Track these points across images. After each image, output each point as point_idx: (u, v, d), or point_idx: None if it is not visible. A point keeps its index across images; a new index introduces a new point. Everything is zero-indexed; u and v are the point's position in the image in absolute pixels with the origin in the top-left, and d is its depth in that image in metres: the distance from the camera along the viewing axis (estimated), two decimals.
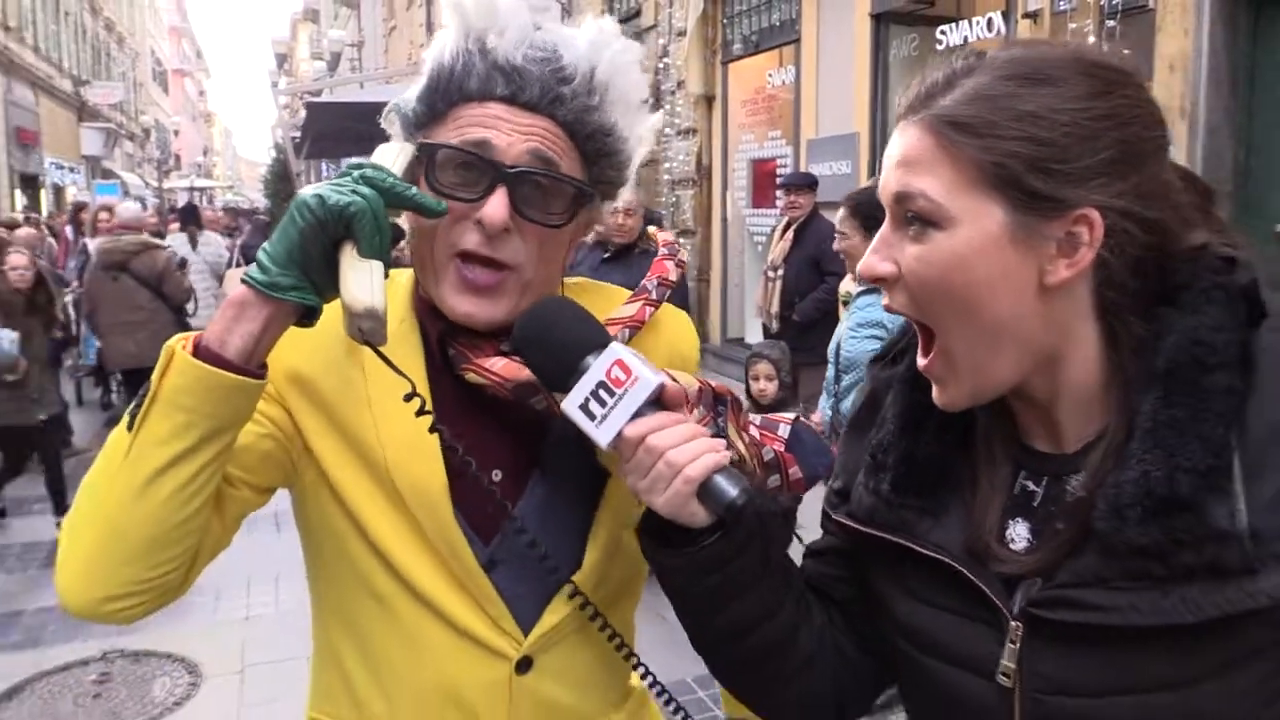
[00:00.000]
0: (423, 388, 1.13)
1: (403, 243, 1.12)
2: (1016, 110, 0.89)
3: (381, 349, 1.08)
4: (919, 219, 0.92)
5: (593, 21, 1.17)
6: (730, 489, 1.00)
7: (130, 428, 1.01)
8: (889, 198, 0.96)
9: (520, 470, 1.20)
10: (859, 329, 3.89)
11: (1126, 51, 0.95)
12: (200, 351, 0.99)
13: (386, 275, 1.02)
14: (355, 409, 1.16)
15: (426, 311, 1.21)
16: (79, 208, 14.74)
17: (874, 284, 0.99)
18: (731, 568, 1.04)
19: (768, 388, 4.54)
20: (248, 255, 12.54)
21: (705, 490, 1.00)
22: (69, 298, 9.44)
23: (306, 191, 0.99)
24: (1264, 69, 5.59)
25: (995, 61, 0.93)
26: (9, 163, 25.41)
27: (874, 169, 8.18)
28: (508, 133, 1.11)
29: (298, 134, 15.55)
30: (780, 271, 6.45)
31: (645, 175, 13.30)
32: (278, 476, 1.18)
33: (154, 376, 1.00)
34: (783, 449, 1.29)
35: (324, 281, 1.01)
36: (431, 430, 1.11)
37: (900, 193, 0.94)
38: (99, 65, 38.83)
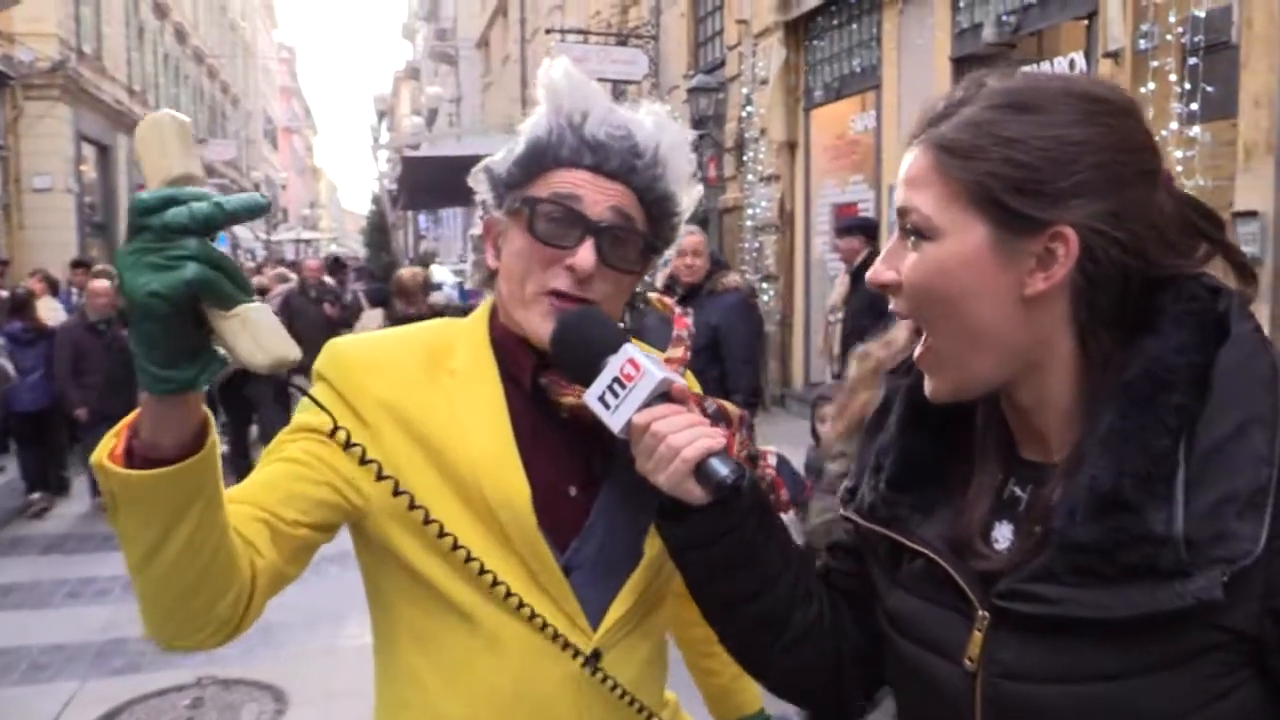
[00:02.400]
0: (502, 414, 1.33)
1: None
2: (999, 135, 0.98)
3: (464, 380, 1.32)
4: (915, 231, 1.02)
5: (649, 106, 1.39)
6: (722, 468, 1.11)
7: None
8: (895, 212, 1.06)
9: (590, 485, 1.37)
10: None
11: (1124, 86, 1.02)
12: (136, 459, 0.99)
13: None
14: (442, 429, 1.30)
15: (508, 346, 1.38)
16: None
17: (882, 290, 1.08)
18: (727, 540, 1.15)
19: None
20: (372, 299, 13.21)
21: (700, 471, 1.12)
22: None
23: (140, 290, 0.88)
24: None
25: (988, 91, 1.02)
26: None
27: None
28: (594, 195, 1.32)
29: (394, 187, 16.09)
30: (840, 315, 6.50)
31: (729, 222, 13.43)
32: (336, 517, 1.28)
33: (99, 482, 1.02)
34: (775, 474, 1.47)
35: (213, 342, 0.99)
36: (363, 462, 1.22)
37: (901, 207, 1.04)
38: (215, 124, 40.72)
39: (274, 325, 0.95)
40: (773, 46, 11.55)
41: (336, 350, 1.36)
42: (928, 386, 1.09)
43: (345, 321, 10.33)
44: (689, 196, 1.42)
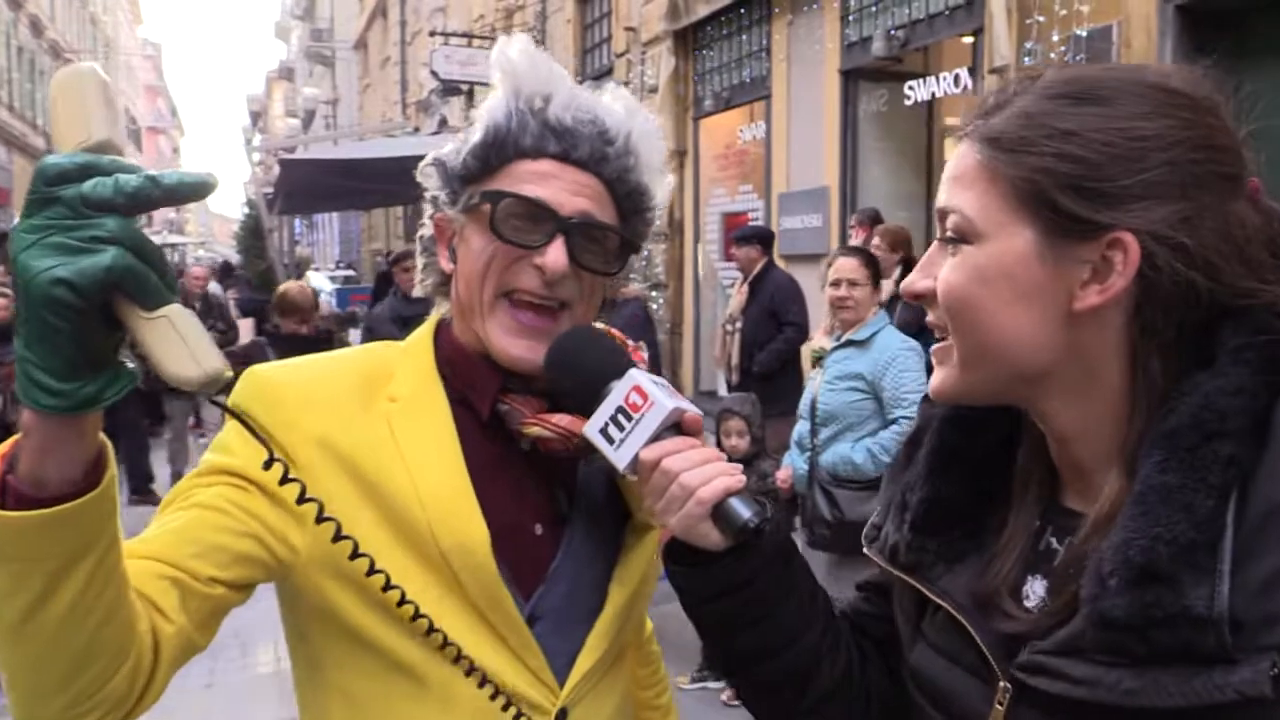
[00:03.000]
0: (453, 445, 1.17)
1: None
2: (1053, 128, 0.87)
3: (407, 408, 1.16)
4: (954, 234, 0.92)
5: (614, 90, 1.26)
6: (744, 511, 1.00)
7: None
8: (936, 214, 0.96)
9: (555, 522, 1.23)
10: (837, 381, 3.89)
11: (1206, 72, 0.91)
12: (12, 497, 0.81)
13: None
14: (385, 466, 1.14)
15: (463, 367, 1.22)
16: None
17: (916, 301, 0.97)
18: (747, 591, 1.03)
19: (739, 444, 4.57)
20: (244, 309, 12.54)
21: (719, 513, 1.01)
22: None
23: (42, 276, 0.72)
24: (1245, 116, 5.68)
25: (1046, 80, 0.91)
26: None
27: (844, 222, 8.24)
28: (560, 190, 1.18)
29: (270, 190, 15.55)
30: (739, 324, 6.46)
31: None
32: (258, 574, 1.11)
33: None
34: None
35: (122, 354, 0.83)
36: (301, 500, 1.02)
37: (941, 208, 0.94)
38: None
39: (203, 332, 0.79)
40: (661, 55, 11.52)
41: (260, 380, 1.18)
42: (933, 382, 0.98)
43: (229, 342, 9.42)
44: (662, 190, 1.29)
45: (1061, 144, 0.86)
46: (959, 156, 0.93)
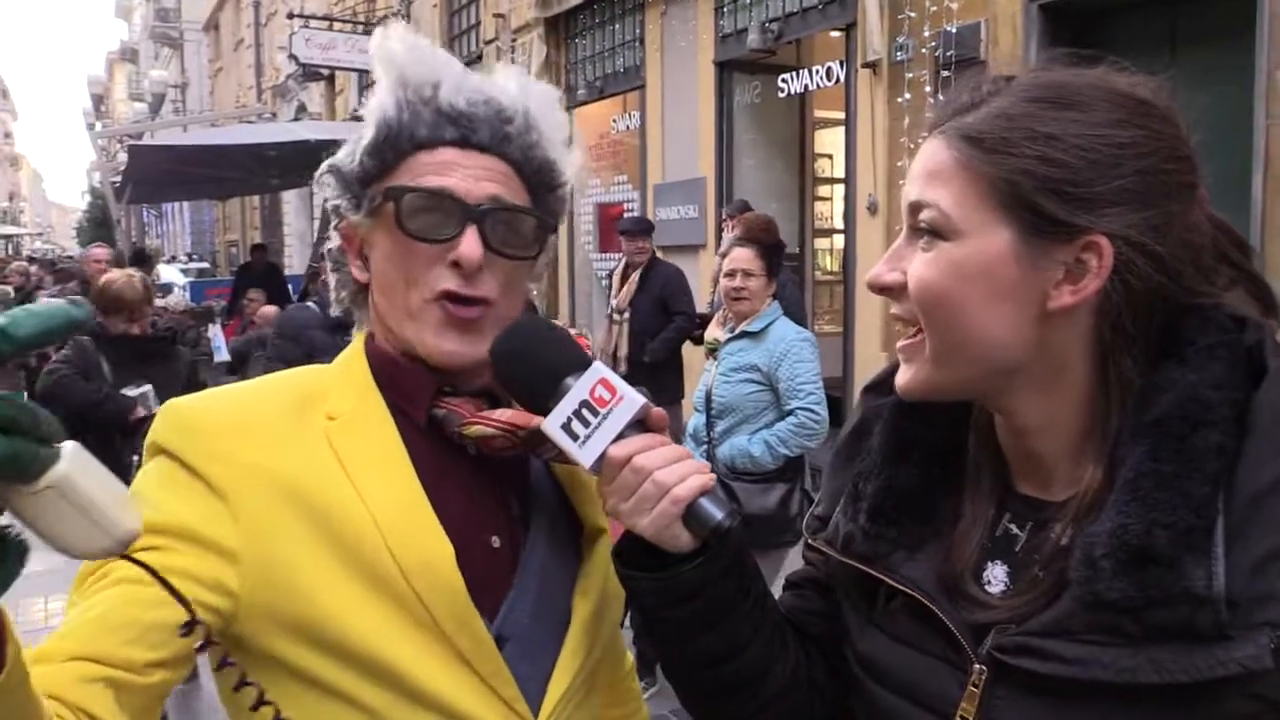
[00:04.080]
0: (401, 458, 1.09)
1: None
2: (1034, 130, 0.89)
3: (348, 424, 1.08)
4: (930, 229, 0.92)
5: (504, 69, 1.20)
6: (716, 512, 0.97)
7: None
8: (906, 207, 0.96)
9: (510, 532, 1.15)
10: (732, 374, 3.86)
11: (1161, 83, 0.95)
12: None
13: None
14: (328, 488, 1.04)
15: (395, 374, 1.15)
16: None
17: (881, 294, 0.98)
18: (709, 594, 1.01)
19: None
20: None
21: (691, 513, 0.97)
22: None
23: None
24: None
25: (1022, 84, 0.93)
26: None
27: (720, 213, 8.28)
28: (465, 178, 1.11)
29: (118, 178, 14.72)
30: (626, 315, 6.42)
31: None
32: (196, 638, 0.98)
33: None
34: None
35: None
36: (124, 558, 0.85)
37: (916, 202, 0.94)
38: None
39: (109, 484, 0.66)
40: (533, 42, 11.38)
41: (181, 414, 1.05)
42: (901, 377, 0.99)
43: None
44: (570, 164, 1.23)
45: (1044, 147, 0.88)
46: (933, 152, 0.94)
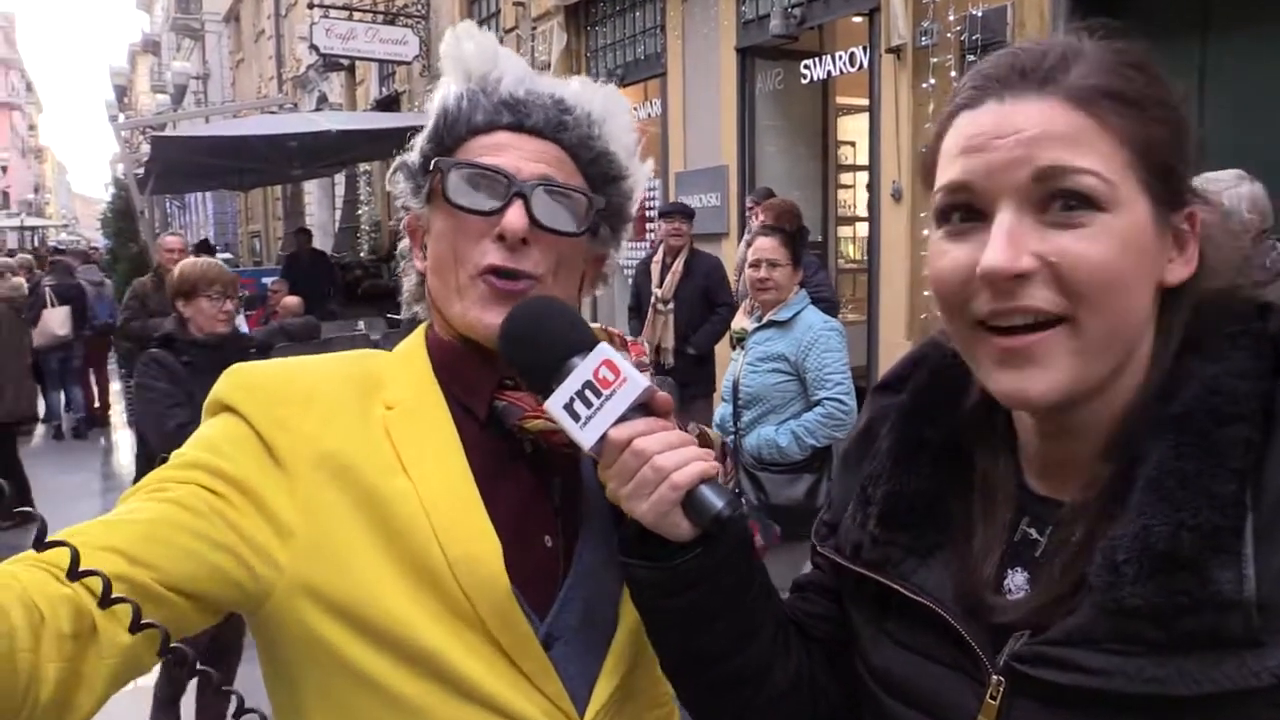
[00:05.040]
0: (456, 451, 1.09)
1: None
2: (1148, 94, 0.84)
3: (405, 414, 1.09)
4: (1082, 199, 0.81)
5: (576, 79, 1.21)
6: (717, 500, 0.95)
7: None
8: (1024, 179, 0.82)
9: (563, 531, 1.14)
10: (759, 363, 3.83)
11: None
12: None
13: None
14: (385, 476, 1.05)
15: (454, 365, 1.16)
16: None
17: (1003, 284, 0.82)
18: (706, 586, 0.99)
19: None
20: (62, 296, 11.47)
21: (691, 501, 0.95)
22: None
23: None
24: None
25: (1098, 44, 0.86)
26: None
27: (743, 201, 8.22)
28: (517, 157, 1.11)
29: (140, 170, 14.79)
30: (671, 306, 6.33)
31: None
32: (230, 594, 0.98)
33: None
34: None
35: None
36: (74, 577, 0.82)
37: (1053, 167, 0.81)
38: None
39: None
40: (553, 31, 11.33)
41: (252, 376, 1.08)
42: (1034, 382, 0.84)
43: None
44: (638, 169, 1.22)
45: (1161, 111, 0.84)
46: (1048, 114, 0.81)
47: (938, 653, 0.92)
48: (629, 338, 1.27)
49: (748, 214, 7.18)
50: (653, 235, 7.26)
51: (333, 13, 16.10)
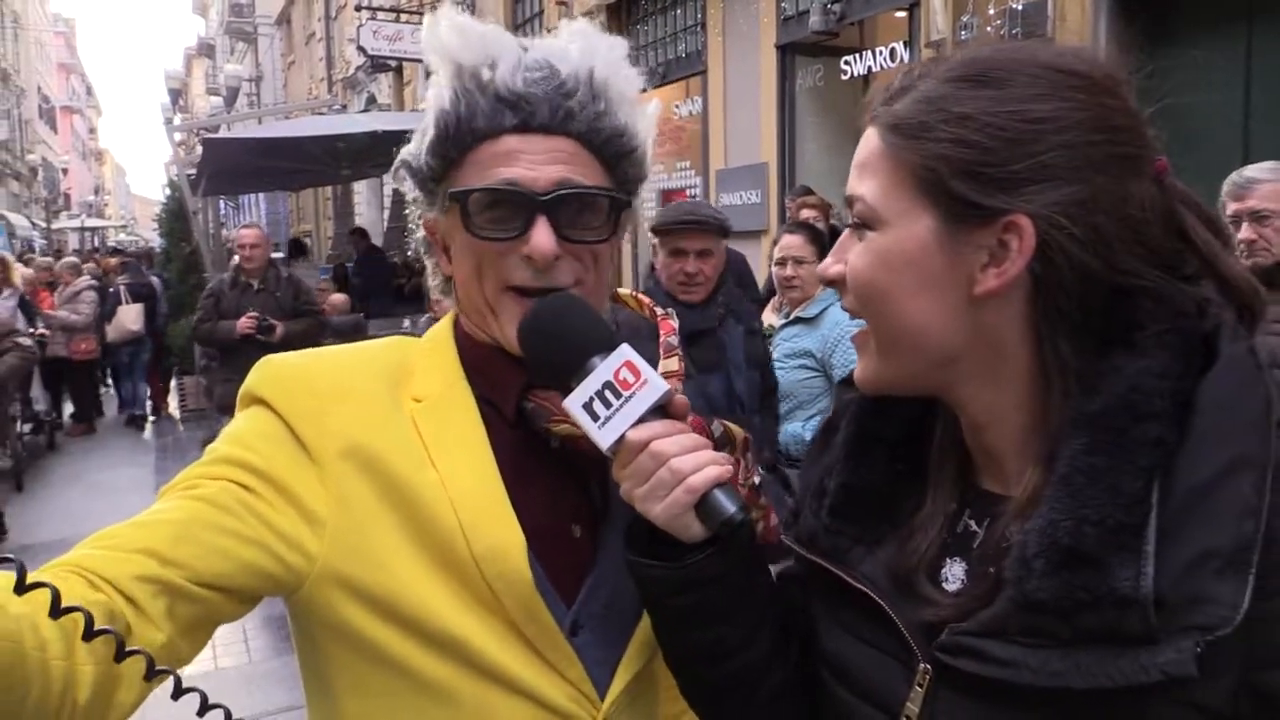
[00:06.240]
0: (483, 446, 1.10)
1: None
2: (949, 112, 0.86)
3: (434, 408, 1.10)
4: (859, 221, 0.93)
5: (569, 26, 1.16)
6: (729, 505, 0.96)
7: None
8: (844, 201, 0.97)
9: (593, 523, 1.16)
10: (786, 360, 3.85)
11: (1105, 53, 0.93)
12: None
13: None
14: (413, 470, 1.07)
15: (483, 365, 1.15)
16: None
17: (829, 286, 0.99)
18: (712, 587, 1.01)
19: None
20: (135, 294, 12.07)
21: (704, 504, 0.97)
22: None
23: None
24: (1158, 93, 5.75)
25: (949, 64, 0.91)
26: None
27: (784, 198, 8.21)
28: (530, 165, 1.09)
29: (193, 171, 15.10)
30: None
31: None
32: (264, 586, 1.02)
33: None
34: (767, 500, 1.31)
35: None
36: (57, 613, 0.81)
37: (848, 195, 0.95)
38: None
39: None
40: None
41: (283, 369, 1.10)
42: (858, 370, 0.99)
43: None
44: (644, 120, 1.17)
45: (957, 129, 0.86)
46: (864, 142, 0.94)
47: (877, 640, 0.95)
48: (658, 310, 1.26)
49: (788, 212, 7.18)
50: None
51: (380, 15, 16.33)
